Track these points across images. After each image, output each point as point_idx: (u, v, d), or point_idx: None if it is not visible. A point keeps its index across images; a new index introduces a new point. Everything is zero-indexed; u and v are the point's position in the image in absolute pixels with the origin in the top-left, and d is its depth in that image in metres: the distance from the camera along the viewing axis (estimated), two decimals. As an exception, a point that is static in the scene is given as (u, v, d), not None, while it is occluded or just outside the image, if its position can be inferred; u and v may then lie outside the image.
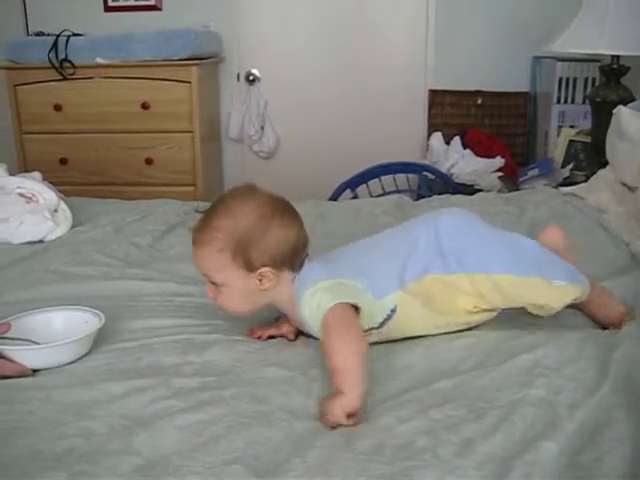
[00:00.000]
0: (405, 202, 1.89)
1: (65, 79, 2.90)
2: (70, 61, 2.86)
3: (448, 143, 2.98)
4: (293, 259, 1.11)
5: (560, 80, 2.81)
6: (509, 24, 3.03)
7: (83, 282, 1.42)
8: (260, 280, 1.09)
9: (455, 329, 1.13)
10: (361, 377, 0.93)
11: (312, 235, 1.65)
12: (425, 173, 2.72)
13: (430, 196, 2.05)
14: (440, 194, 2.08)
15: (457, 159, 2.87)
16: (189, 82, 2.87)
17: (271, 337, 1.19)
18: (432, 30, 3.13)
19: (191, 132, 2.92)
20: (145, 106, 2.89)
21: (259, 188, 1.14)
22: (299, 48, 3.25)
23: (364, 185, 2.60)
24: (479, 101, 3.09)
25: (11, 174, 1.90)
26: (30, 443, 0.84)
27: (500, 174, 2.74)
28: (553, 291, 1.11)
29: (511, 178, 2.70)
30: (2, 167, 1.88)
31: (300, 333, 1.17)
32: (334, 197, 2.52)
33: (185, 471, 0.79)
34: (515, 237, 1.18)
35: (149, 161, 2.94)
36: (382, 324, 1.11)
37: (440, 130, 3.04)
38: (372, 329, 1.10)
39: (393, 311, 1.10)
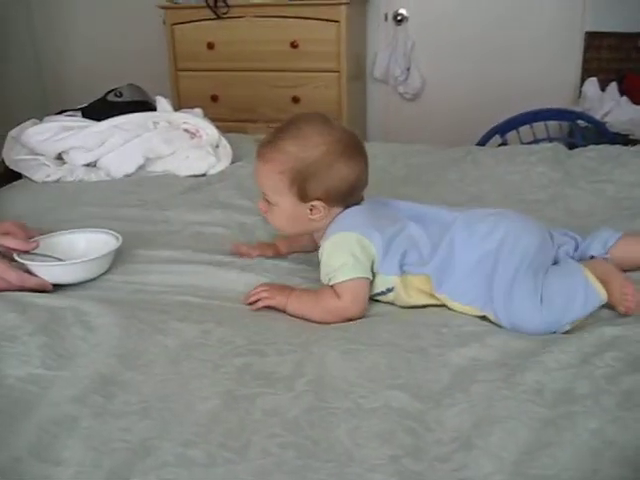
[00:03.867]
0: (561, 150, 1.82)
1: (218, 18, 3.00)
2: (224, 0, 2.95)
3: (603, 89, 2.83)
4: (347, 197, 1.14)
5: None
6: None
7: (246, 213, 1.51)
8: (311, 210, 1.13)
9: None
10: (311, 319, 1.07)
11: (465, 180, 1.68)
12: (578, 121, 2.60)
13: (585, 145, 1.96)
14: (595, 144, 1.99)
15: (612, 106, 2.72)
16: (337, 21, 2.88)
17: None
18: (592, -33, 2.95)
19: (338, 72, 2.95)
20: (294, 45, 2.94)
21: (333, 120, 1.16)
22: (449, -13, 3.16)
23: (514, 131, 2.53)
24: (641, 44, 2.89)
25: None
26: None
27: (660, 124, 2.58)
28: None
29: (673, 129, 2.54)
30: (167, 102, 2.00)
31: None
32: (482, 142, 2.48)
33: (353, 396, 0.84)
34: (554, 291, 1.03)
35: (296, 100, 3.00)
36: (377, 296, 1.12)
37: (595, 75, 2.89)
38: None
39: (389, 290, 1.11)
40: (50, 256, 1.18)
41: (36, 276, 1.13)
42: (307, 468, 0.72)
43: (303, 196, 1.11)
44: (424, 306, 1.10)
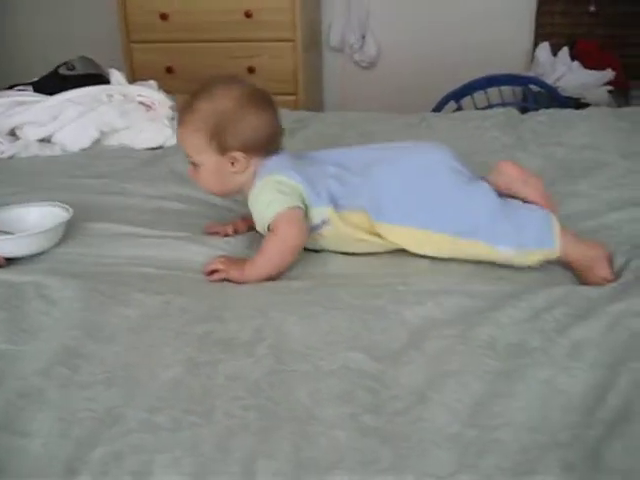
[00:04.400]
0: (513, 115, 1.86)
1: (171, -12, 2.94)
2: (176, -32, 2.90)
3: (555, 54, 2.87)
4: (265, 146, 1.19)
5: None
6: None
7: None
8: (232, 163, 1.17)
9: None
10: (268, 272, 1.10)
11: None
12: (531, 86, 2.64)
13: (537, 109, 2.01)
14: (547, 107, 2.04)
15: (564, 71, 2.77)
16: (292, -10, 2.85)
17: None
18: None
19: (293, 41, 2.93)
20: (248, 14, 2.91)
21: (242, 78, 1.22)
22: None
23: (469, 97, 2.57)
24: (592, 8, 2.93)
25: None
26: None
27: (610, 88, 2.64)
28: (498, 256, 1.09)
29: (622, 92, 2.59)
30: (121, 75, 1.98)
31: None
32: (437, 109, 2.51)
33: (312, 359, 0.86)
34: (474, 190, 1.13)
35: (251, 70, 2.98)
36: (313, 231, 1.17)
37: (548, 40, 2.93)
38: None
39: (325, 222, 1.16)
40: (0, 230, 1.19)
41: None
42: (270, 428, 0.74)
43: (222, 149, 1.16)
44: (361, 240, 1.16)
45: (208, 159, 1.17)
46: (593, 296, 0.96)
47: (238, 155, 1.17)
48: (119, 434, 0.74)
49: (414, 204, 1.13)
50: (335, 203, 1.15)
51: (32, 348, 0.88)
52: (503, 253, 1.09)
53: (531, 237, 1.09)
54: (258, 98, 1.18)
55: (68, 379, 0.83)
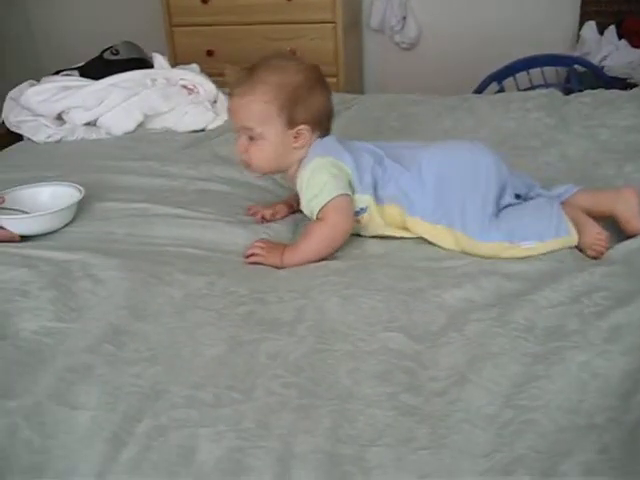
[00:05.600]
0: (557, 96, 1.83)
1: (212, -29, 2.96)
2: (218, -47, 2.91)
3: (602, 33, 2.80)
4: (325, 123, 1.20)
5: None
6: None
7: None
8: (296, 137, 1.17)
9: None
10: (309, 259, 1.10)
11: (460, 128, 1.69)
12: (575, 66, 2.59)
13: (581, 90, 1.97)
14: (592, 88, 2.00)
15: (611, 50, 2.70)
16: (333, -28, 2.84)
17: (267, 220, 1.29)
18: None
19: (333, 23, 2.92)
20: (288, -4, 2.91)
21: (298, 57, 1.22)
22: None
23: (511, 78, 2.53)
24: (640, -15, 2.85)
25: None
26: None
27: (659, 67, 2.57)
28: (521, 250, 1.09)
29: (671, 72, 2.53)
30: (164, 59, 2.00)
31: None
32: (479, 90, 2.48)
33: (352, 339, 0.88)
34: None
35: (292, 52, 2.98)
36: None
37: (593, 19, 2.86)
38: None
39: (363, 210, 1.16)
40: (16, 209, 1.24)
41: (4, 229, 1.19)
42: (309, 406, 0.76)
43: (291, 121, 1.16)
44: (392, 237, 1.18)
45: (273, 130, 1.16)
46: (633, 280, 0.95)
47: (304, 129, 1.17)
48: (163, 409, 0.77)
49: (445, 204, 1.13)
50: (375, 192, 1.16)
51: (79, 326, 0.92)
52: (526, 248, 1.09)
53: (548, 229, 1.09)
54: (319, 75, 1.20)
55: (115, 356, 0.86)
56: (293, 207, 1.31)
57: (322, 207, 1.13)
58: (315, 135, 1.19)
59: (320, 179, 1.14)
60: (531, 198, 1.20)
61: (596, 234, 1.11)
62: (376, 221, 1.17)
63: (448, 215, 1.12)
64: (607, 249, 1.10)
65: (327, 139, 1.21)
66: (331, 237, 1.13)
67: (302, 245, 1.13)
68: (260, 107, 1.14)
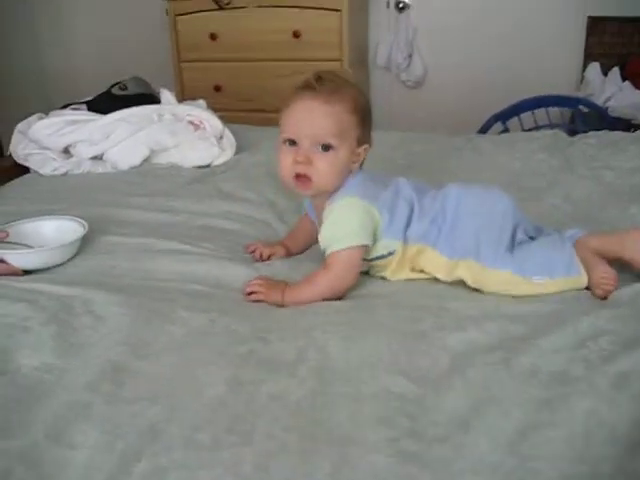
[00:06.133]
0: (561, 138, 1.84)
1: (221, 9, 3.00)
2: (227, -9, 2.96)
3: (606, 74, 2.83)
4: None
5: None
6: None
7: (251, 206, 1.53)
8: (357, 157, 1.14)
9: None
10: (311, 301, 1.09)
11: (469, 168, 1.70)
12: (580, 106, 2.61)
13: (586, 132, 1.98)
14: (596, 129, 2.01)
15: (615, 91, 2.72)
16: (339, 10, 2.88)
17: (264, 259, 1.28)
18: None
19: (340, 60, 2.95)
20: (296, 35, 2.94)
21: None
22: (451, -26, 3.16)
23: (515, 118, 2.54)
24: (644, 29, 2.88)
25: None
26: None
27: (662, 109, 2.58)
28: (533, 287, 1.09)
29: (675, 113, 2.54)
30: (171, 95, 2.02)
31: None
32: (483, 129, 2.49)
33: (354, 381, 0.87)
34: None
35: (299, 89, 3.01)
36: (374, 260, 1.16)
37: (598, 60, 2.88)
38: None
39: (390, 254, 1.14)
40: (19, 243, 1.24)
41: (6, 263, 1.19)
42: (310, 451, 0.75)
43: (361, 139, 1.13)
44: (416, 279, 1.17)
45: (348, 144, 1.11)
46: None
47: (364, 150, 1.15)
48: (162, 450, 0.75)
49: (464, 237, 1.13)
50: (406, 237, 1.15)
51: (80, 362, 0.91)
52: (537, 283, 1.09)
53: (559, 266, 1.10)
54: None
55: (114, 394, 0.85)
56: (291, 252, 1.31)
57: (337, 250, 1.12)
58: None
59: (348, 224, 1.12)
60: None
61: (604, 273, 1.10)
62: (401, 264, 1.16)
63: (465, 247, 1.12)
64: (616, 288, 1.09)
65: (362, 175, 1.17)
66: (336, 288, 1.12)
67: (305, 289, 1.12)
68: (344, 118, 1.09)
